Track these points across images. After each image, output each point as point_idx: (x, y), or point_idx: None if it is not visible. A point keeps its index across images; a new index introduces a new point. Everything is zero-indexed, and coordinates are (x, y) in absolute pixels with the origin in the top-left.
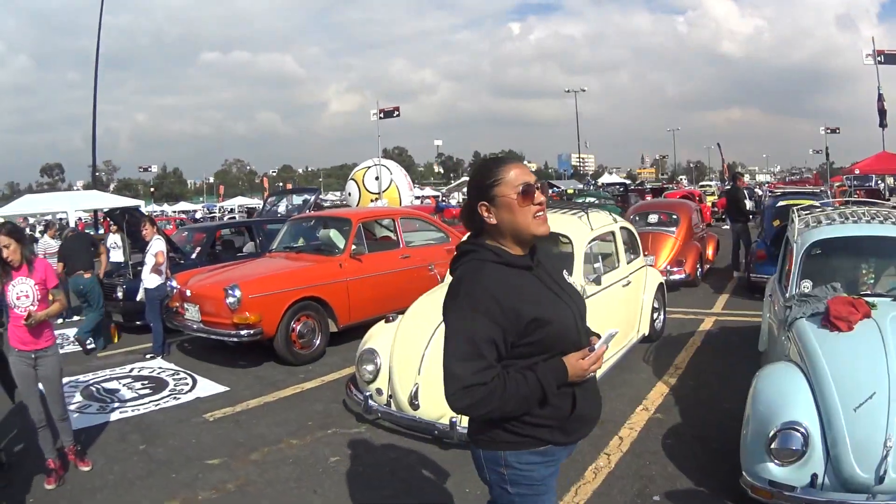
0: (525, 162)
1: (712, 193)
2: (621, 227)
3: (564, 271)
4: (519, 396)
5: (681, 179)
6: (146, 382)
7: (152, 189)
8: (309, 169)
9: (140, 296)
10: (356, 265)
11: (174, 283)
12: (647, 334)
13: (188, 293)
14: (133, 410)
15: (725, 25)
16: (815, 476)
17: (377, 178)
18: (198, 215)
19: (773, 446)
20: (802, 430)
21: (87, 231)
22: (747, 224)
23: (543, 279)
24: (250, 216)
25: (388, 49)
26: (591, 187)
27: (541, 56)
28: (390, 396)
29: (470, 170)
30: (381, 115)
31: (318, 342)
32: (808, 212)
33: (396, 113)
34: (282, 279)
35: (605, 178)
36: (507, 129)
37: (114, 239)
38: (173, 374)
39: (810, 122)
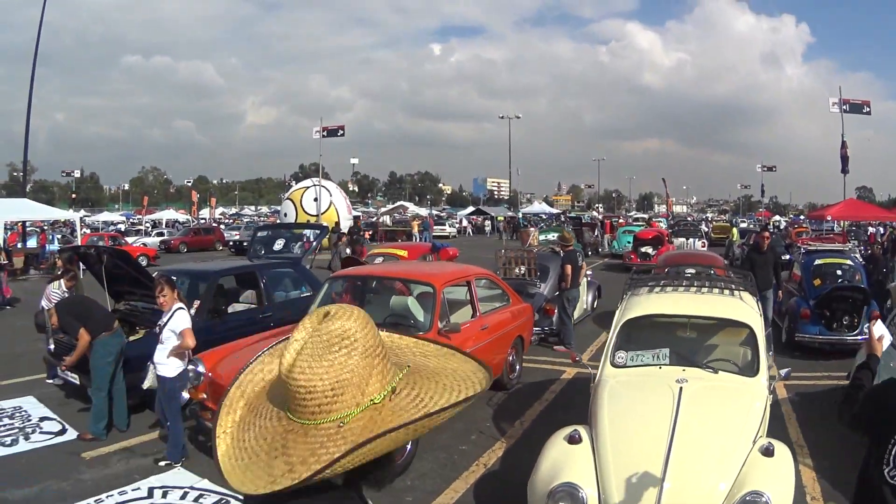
0: (440, 185)
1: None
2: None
3: None
4: None
5: (597, 207)
6: None
7: (73, 195)
8: (224, 181)
9: (147, 383)
10: None
11: (200, 368)
12: None
13: None
14: None
15: (648, 57)
16: None
17: (316, 200)
18: (121, 228)
19: None
20: None
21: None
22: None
23: None
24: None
25: (307, 64)
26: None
27: (459, 78)
28: None
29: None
30: (325, 132)
31: (409, 447)
32: None
33: (341, 132)
34: None
35: (535, 207)
36: (423, 149)
37: (58, 288)
38: (221, 501)
39: (730, 156)
